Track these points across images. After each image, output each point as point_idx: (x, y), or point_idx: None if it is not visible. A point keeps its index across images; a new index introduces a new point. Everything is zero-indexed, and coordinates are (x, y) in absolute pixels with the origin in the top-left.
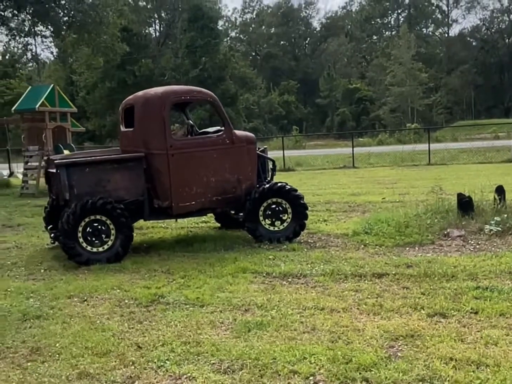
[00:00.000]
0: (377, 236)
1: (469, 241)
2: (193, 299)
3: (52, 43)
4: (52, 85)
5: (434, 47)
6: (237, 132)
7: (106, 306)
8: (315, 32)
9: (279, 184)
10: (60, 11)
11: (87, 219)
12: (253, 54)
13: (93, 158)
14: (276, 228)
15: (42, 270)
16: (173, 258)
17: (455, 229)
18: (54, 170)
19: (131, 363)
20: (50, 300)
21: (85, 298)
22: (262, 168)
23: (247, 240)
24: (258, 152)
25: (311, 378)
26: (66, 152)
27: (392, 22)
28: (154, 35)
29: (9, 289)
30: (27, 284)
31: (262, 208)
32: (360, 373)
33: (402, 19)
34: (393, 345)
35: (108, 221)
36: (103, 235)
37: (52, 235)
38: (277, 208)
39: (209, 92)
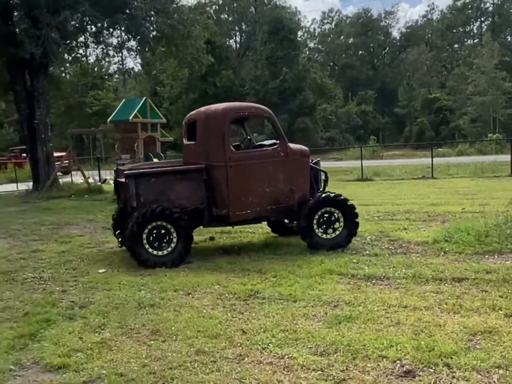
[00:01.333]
0: (456, 244)
1: None
2: (286, 295)
3: (138, 56)
4: (144, 98)
5: None
6: (292, 145)
7: (209, 299)
8: (394, 41)
9: (332, 194)
10: (150, 26)
11: (150, 225)
12: (331, 64)
13: (158, 169)
14: (328, 236)
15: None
16: (263, 260)
17: None
18: (123, 180)
19: (238, 344)
20: (159, 292)
21: (189, 291)
22: (315, 179)
23: None
24: (311, 164)
25: (398, 362)
26: (155, 160)
27: (475, 30)
28: (235, 47)
29: (121, 283)
30: (136, 278)
31: (316, 217)
32: (442, 360)
33: (485, 27)
34: (472, 339)
35: (169, 226)
36: (165, 240)
37: (120, 239)
38: (330, 217)
39: (266, 108)
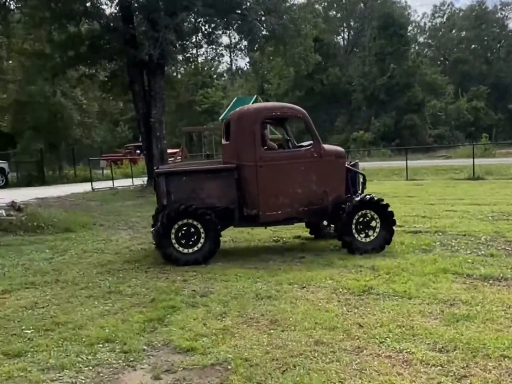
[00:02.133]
0: None
1: None
2: (400, 292)
3: (246, 56)
4: (255, 96)
5: None
6: (327, 146)
7: (324, 293)
8: (510, 34)
9: (368, 196)
10: (261, 26)
11: (179, 223)
12: (442, 59)
13: (189, 168)
14: (367, 239)
15: (258, 261)
16: (375, 257)
17: None
18: None
19: (356, 337)
20: (275, 285)
21: (304, 285)
22: (353, 181)
23: (444, 244)
24: (348, 166)
25: None
26: None
27: None
28: (342, 44)
29: (238, 274)
30: (252, 271)
31: (354, 221)
32: None
33: None
34: None
35: (197, 224)
36: (193, 238)
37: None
38: (367, 219)
39: (299, 108)
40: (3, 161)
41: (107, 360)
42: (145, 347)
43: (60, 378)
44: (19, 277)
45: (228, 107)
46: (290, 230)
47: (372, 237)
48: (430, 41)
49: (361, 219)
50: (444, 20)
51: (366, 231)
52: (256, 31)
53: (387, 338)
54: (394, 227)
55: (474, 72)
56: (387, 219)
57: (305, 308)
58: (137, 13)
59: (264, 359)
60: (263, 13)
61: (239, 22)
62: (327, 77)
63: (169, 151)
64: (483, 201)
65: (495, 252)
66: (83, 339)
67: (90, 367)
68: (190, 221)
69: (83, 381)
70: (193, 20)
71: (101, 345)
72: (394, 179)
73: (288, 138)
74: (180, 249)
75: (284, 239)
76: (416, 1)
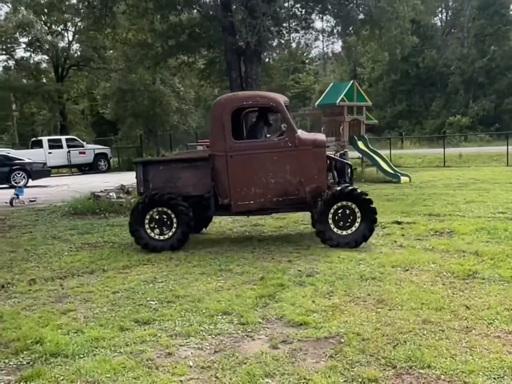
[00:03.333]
0: None
1: None
2: (507, 277)
3: (339, 40)
4: (352, 82)
5: None
6: (304, 135)
7: (428, 276)
8: None
9: (349, 187)
10: (358, 10)
11: (154, 210)
12: None
13: (165, 158)
14: (344, 232)
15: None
16: (478, 242)
17: None
18: None
19: (463, 318)
20: (378, 267)
21: (407, 268)
22: (340, 172)
23: None
24: (335, 156)
25: None
26: (359, 143)
27: None
28: (440, 25)
29: (340, 257)
30: (354, 253)
31: (332, 211)
32: None
33: None
34: None
35: (170, 212)
36: (166, 225)
37: None
38: (346, 212)
39: (274, 97)
40: (106, 147)
41: (227, 330)
42: (260, 320)
43: (188, 343)
44: (136, 255)
45: (324, 93)
46: (389, 216)
47: (349, 231)
48: None
49: (340, 211)
50: None
51: (343, 223)
52: (353, 15)
53: (495, 320)
54: (374, 225)
55: None
56: (369, 214)
57: (410, 290)
58: (235, 1)
59: (375, 335)
60: None
61: (336, 6)
62: (423, 60)
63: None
64: None
65: None
66: (203, 311)
67: (213, 336)
68: (164, 209)
69: (208, 347)
70: (289, 5)
71: (219, 317)
72: (493, 165)
73: (284, 126)
74: (156, 237)
75: (383, 224)
76: None
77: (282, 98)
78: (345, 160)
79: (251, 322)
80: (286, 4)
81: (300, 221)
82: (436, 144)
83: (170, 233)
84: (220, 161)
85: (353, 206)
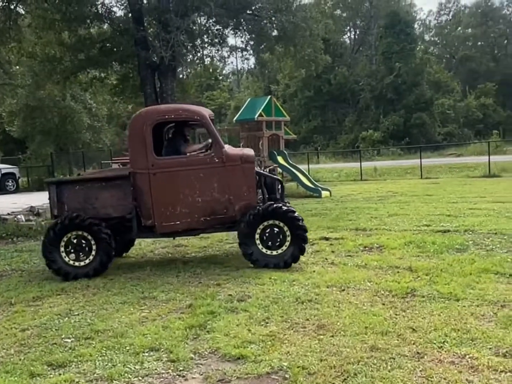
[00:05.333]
0: None
1: None
2: (446, 293)
3: (253, 57)
4: (269, 97)
5: None
6: (231, 150)
7: (366, 296)
8: None
9: (275, 205)
10: (272, 26)
11: (68, 235)
12: (448, 56)
13: (82, 176)
14: (274, 252)
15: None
16: (408, 258)
17: None
18: None
19: (412, 342)
20: (313, 288)
21: (343, 288)
22: (271, 188)
23: (477, 243)
24: (264, 172)
25: None
26: (279, 158)
27: None
28: (349, 43)
29: (272, 278)
30: (286, 274)
31: (258, 231)
32: None
33: None
34: None
35: (87, 235)
36: (84, 250)
37: None
38: (275, 231)
39: (198, 110)
40: (13, 166)
41: (156, 370)
42: (192, 355)
43: None
44: (48, 284)
45: (242, 109)
46: (315, 232)
47: (279, 251)
48: (436, 39)
49: (267, 230)
50: (450, 17)
51: (272, 243)
52: (267, 31)
53: (445, 343)
54: (305, 244)
55: (481, 69)
56: (298, 233)
57: (350, 312)
58: (148, 15)
59: (322, 367)
60: (273, 13)
61: (250, 22)
62: (335, 77)
63: None
64: (506, 199)
65: None
66: (127, 348)
67: (140, 378)
68: (80, 232)
69: None
70: (204, 20)
71: (146, 354)
72: (408, 177)
73: (210, 142)
74: (71, 262)
75: (311, 240)
76: (420, 0)
77: (206, 112)
78: (275, 176)
79: (182, 359)
80: (200, 19)
81: (225, 240)
82: (350, 158)
83: (88, 260)
84: (141, 179)
85: (281, 224)
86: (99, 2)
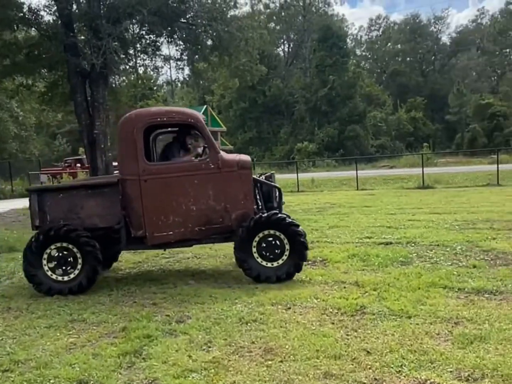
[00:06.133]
0: None
1: None
2: (396, 310)
3: (189, 66)
4: (205, 107)
5: None
6: (227, 156)
7: (314, 314)
8: (444, 47)
9: (278, 215)
10: (206, 35)
11: (51, 247)
12: (379, 71)
13: (65, 184)
14: (269, 264)
15: (231, 279)
16: (353, 272)
17: None
18: None
19: (368, 366)
20: (257, 306)
21: (289, 306)
22: (267, 196)
23: (421, 255)
24: (261, 179)
25: None
26: None
27: None
28: (283, 56)
29: (213, 295)
30: (227, 291)
31: (256, 239)
32: None
33: None
34: None
35: (72, 247)
36: (68, 263)
37: None
38: (273, 242)
39: (192, 113)
40: None
41: None
42: None
43: None
44: None
45: None
46: None
47: (280, 262)
48: (367, 53)
49: (265, 240)
50: (380, 33)
51: (271, 255)
52: (202, 40)
53: (403, 366)
54: (302, 262)
55: (411, 83)
56: (297, 248)
57: (299, 333)
58: (78, 20)
59: None
60: (208, 22)
61: (184, 30)
62: (269, 89)
63: (114, 163)
64: (442, 210)
65: (477, 263)
66: (51, 381)
67: None
68: (64, 244)
69: None
70: (137, 28)
71: None
72: (344, 189)
73: (205, 145)
74: (54, 276)
75: None
76: (351, 15)
77: (200, 115)
78: (272, 183)
79: None
80: (133, 27)
81: (161, 254)
82: (286, 170)
83: (72, 275)
84: (131, 186)
85: (282, 236)
86: (25, 6)
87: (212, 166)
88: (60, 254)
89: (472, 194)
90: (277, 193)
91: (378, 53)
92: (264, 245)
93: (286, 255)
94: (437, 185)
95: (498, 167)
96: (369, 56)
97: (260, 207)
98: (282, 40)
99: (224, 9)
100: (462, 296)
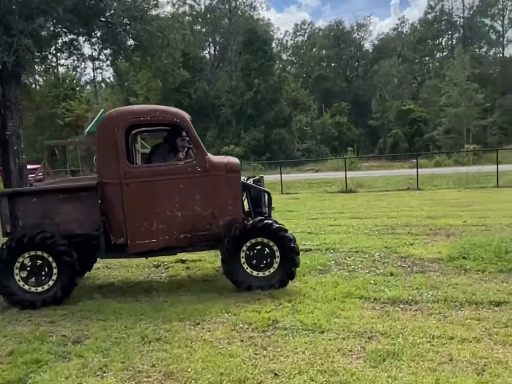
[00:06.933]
0: (476, 261)
1: None
2: (310, 324)
3: (110, 67)
4: (102, 110)
5: (488, 67)
6: (215, 158)
7: (223, 330)
8: (367, 53)
9: (265, 221)
10: (127, 35)
11: (24, 255)
12: (304, 76)
13: (39, 187)
14: (260, 274)
15: (140, 292)
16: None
17: None
18: None
19: None
20: (163, 323)
21: (198, 321)
22: (256, 201)
23: (339, 262)
24: (249, 183)
25: None
26: None
27: (443, 43)
28: (209, 58)
29: (117, 311)
30: (133, 305)
31: (244, 248)
32: None
33: (455, 40)
34: None
35: (47, 256)
36: (43, 273)
37: None
38: (262, 250)
39: (178, 112)
40: None
41: None
42: None
43: None
44: None
45: (94, 120)
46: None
47: (271, 271)
48: (293, 58)
49: (255, 248)
50: (305, 38)
51: (258, 263)
52: (121, 39)
53: None
54: (295, 269)
55: (335, 89)
56: (288, 255)
57: (204, 353)
58: None
59: None
60: (128, 21)
61: (103, 29)
62: (195, 91)
63: (29, 166)
64: (363, 215)
65: (394, 271)
66: None
67: None
68: (39, 253)
69: None
70: (52, 26)
71: None
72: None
73: (188, 146)
74: (26, 287)
75: (166, 263)
76: (277, 20)
77: (186, 114)
78: (261, 187)
79: None
80: (49, 24)
81: None
82: None
83: (47, 286)
84: (112, 191)
85: (271, 243)
86: None
87: (199, 169)
88: (34, 263)
89: (393, 198)
90: (266, 197)
91: (304, 58)
92: (253, 254)
93: (277, 263)
94: (360, 189)
95: (417, 172)
96: (295, 61)
97: (249, 212)
98: (208, 43)
99: (145, 8)
100: (378, 307)
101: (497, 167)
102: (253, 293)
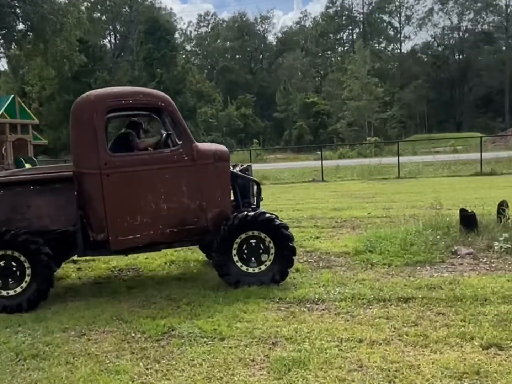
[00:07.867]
0: (383, 255)
1: (480, 259)
2: (209, 331)
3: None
4: (12, 96)
5: (387, 62)
6: (202, 145)
7: (111, 342)
8: (271, 46)
9: (267, 215)
10: (17, 18)
11: None
12: (209, 67)
13: (7, 178)
14: (250, 270)
15: None
16: (168, 282)
17: (462, 246)
18: None
19: None
20: (44, 335)
21: (83, 331)
22: (244, 192)
23: None
24: (236, 172)
25: None
26: (27, 165)
27: (344, 38)
28: (110, 47)
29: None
30: (11, 315)
31: (237, 241)
32: None
33: (355, 35)
34: None
35: (19, 256)
36: (14, 276)
37: None
38: (256, 245)
39: (161, 94)
40: None
41: None
42: None
43: None
44: None
45: None
46: None
47: (262, 268)
48: (197, 49)
49: (247, 242)
50: (209, 29)
51: (254, 259)
52: (10, 22)
53: None
54: (289, 269)
55: (240, 80)
56: (284, 254)
57: (87, 371)
58: None
59: None
60: (16, 2)
61: None
62: (95, 81)
63: None
64: (268, 208)
65: (300, 267)
66: None
67: None
68: (8, 252)
69: None
70: None
71: None
72: None
73: (168, 132)
74: (4, 293)
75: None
76: (182, 11)
77: (169, 98)
78: (249, 177)
79: None
80: None
81: None
82: None
83: (19, 289)
84: (91, 182)
85: (267, 239)
86: None
87: (186, 157)
88: (4, 264)
89: (298, 190)
90: (255, 188)
91: (208, 50)
92: (246, 247)
93: (270, 260)
94: (266, 181)
95: (322, 163)
96: (199, 52)
97: (238, 203)
98: (108, 31)
99: None
100: (283, 308)
101: (398, 158)
102: (148, 295)
